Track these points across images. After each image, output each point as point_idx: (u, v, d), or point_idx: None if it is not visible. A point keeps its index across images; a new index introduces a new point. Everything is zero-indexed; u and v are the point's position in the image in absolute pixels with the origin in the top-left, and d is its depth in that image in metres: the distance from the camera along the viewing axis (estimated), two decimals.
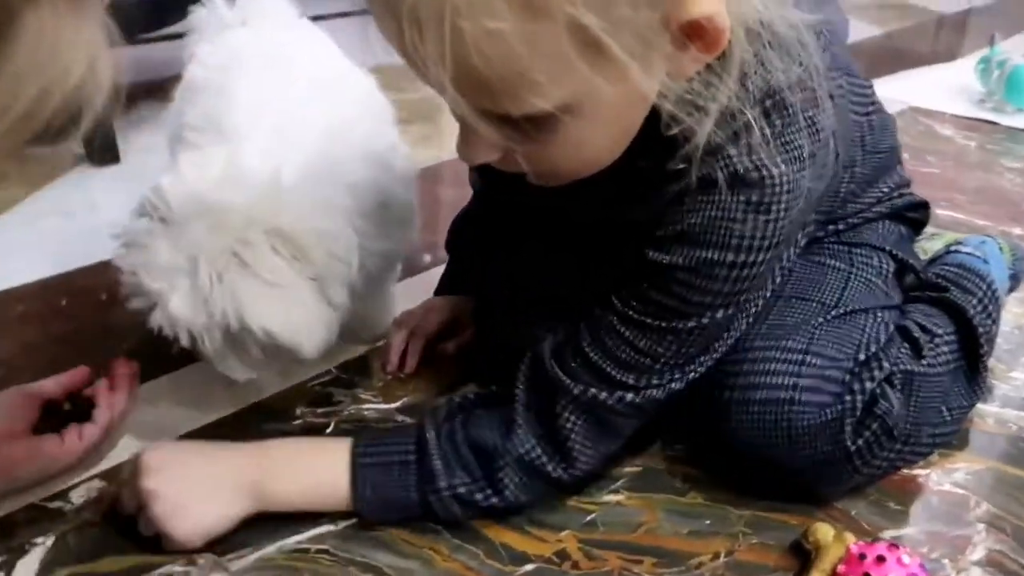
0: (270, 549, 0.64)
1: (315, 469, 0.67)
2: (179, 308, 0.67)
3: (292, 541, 0.65)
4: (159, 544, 0.63)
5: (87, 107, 0.41)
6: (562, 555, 0.65)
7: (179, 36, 0.99)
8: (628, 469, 0.74)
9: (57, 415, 0.72)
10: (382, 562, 0.64)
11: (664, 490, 0.73)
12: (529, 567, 0.64)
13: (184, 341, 0.68)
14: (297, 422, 0.79)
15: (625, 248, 0.63)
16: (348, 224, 0.74)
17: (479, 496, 0.65)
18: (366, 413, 0.81)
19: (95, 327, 0.94)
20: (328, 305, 0.72)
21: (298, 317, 0.69)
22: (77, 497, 0.69)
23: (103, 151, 1.49)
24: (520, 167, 0.56)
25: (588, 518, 0.69)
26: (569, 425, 0.64)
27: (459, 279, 0.96)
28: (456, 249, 0.98)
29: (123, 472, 0.68)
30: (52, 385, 0.74)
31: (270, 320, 0.67)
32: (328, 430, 0.78)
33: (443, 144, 1.66)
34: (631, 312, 0.62)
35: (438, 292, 0.97)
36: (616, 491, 0.72)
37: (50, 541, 0.64)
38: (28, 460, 0.67)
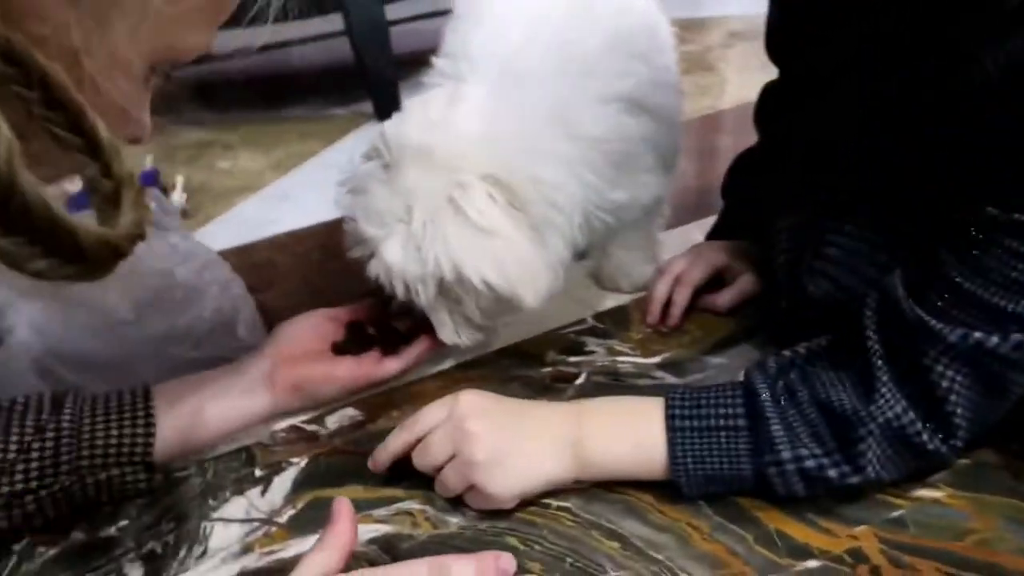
0: None
1: (634, 431, 0.57)
2: (394, 255, 0.63)
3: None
4: (401, 479, 0.61)
5: (232, 57, 0.40)
6: (856, 555, 0.52)
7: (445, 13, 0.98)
8: None
9: (363, 338, 0.73)
10: (630, 531, 0.55)
11: (1003, 491, 0.55)
12: (812, 563, 0.51)
13: (399, 292, 0.65)
14: (547, 369, 0.73)
15: (989, 106, 0.46)
16: (572, 175, 0.67)
17: (832, 472, 0.52)
18: (620, 366, 0.73)
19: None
20: (548, 254, 0.66)
21: (515, 266, 0.63)
22: (332, 423, 0.69)
23: (388, 107, 1.58)
24: None
25: (894, 514, 0.54)
26: (947, 383, 0.50)
27: (736, 223, 0.84)
28: (734, 191, 0.85)
29: (424, 419, 0.59)
30: (348, 312, 0.75)
31: (486, 268, 0.62)
32: (579, 380, 0.71)
33: (723, 92, 1.52)
34: (1018, 213, 0.46)
35: (710, 238, 0.85)
36: (934, 485, 0.56)
37: (303, 462, 0.65)
38: (326, 380, 0.69)
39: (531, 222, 0.65)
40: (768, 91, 0.79)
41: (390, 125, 0.67)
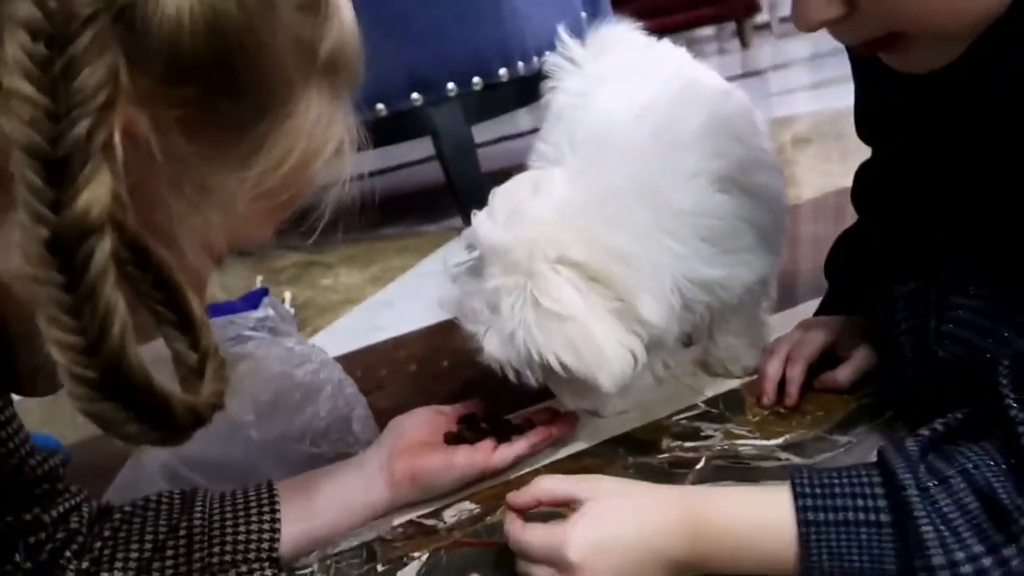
0: None
1: (757, 530, 0.52)
2: (494, 347, 0.67)
3: None
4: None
5: (329, 187, 0.48)
6: None
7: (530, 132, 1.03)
8: None
9: (476, 427, 0.74)
10: None
11: None
12: None
13: (511, 377, 0.68)
14: (664, 455, 0.71)
15: None
16: (654, 243, 0.68)
17: (997, 573, 0.45)
18: (741, 449, 0.70)
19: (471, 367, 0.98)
20: (631, 334, 0.66)
21: (589, 348, 0.64)
22: (450, 516, 0.68)
23: None
24: (868, 28, 0.45)
25: None
26: None
27: (843, 300, 0.81)
28: (838, 269, 0.83)
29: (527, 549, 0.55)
30: (457, 409, 0.76)
31: (562, 352, 0.64)
32: (698, 465, 0.69)
33: (802, 184, 1.52)
34: None
35: (817, 315, 0.83)
36: None
37: (425, 556, 0.64)
38: (444, 469, 0.69)
39: (612, 296, 0.65)
40: (863, 171, 0.79)
41: (477, 222, 0.70)
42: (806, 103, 2.36)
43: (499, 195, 0.72)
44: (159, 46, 0.37)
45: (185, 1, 0.36)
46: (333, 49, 0.45)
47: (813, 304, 0.95)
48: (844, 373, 0.75)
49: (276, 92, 0.42)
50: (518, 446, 0.72)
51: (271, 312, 0.82)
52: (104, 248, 0.33)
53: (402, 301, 1.30)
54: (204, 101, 0.39)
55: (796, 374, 0.75)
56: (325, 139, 0.45)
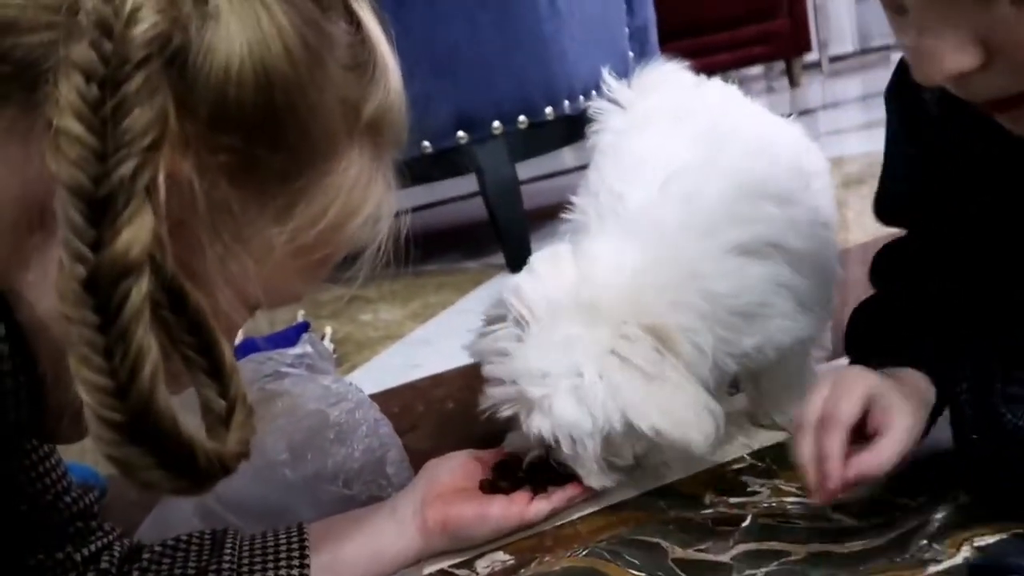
0: None
1: None
2: (564, 412, 0.63)
3: None
4: None
5: (366, 242, 0.48)
6: None
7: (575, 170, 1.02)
8: None
9: (513, 476, 0.72)
10: None
11: None
12: None
13: (566, 447, 0.65)
14: (708, 511, 0.68)
15: None
16: (707, 327, 0.66)
17: None
18: (789, 507, 0.67)
19: None
20: (710, 397, 0.65)
21: (683, 411, 0.63)
22: (482, 567, 0.66)
23: (519, 259, 1.63)
24: (1007, 81, 0.40)
25: None
26: None
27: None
28: (858, 342, 0.73)
29: None
30: (494, 455, 0.74)
31: (655, 416, 0.62)
32: (745, 523, 0.65)
33: (850, 227, 1.48)
34: None
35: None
36: None
37: None
38: (478, 520, 0.67)
39: (686, 369, 0.64)
40: (889, 251, 0.73)
41: (525, 284, 0.68)
42: (857, 144, 2.31)
43: (543, 259, 0.71)
44: (207, 92, 0.37)
45: (236, 49, 0.37)
46: (378, 110, 0.45)
47: None
48: (884, 455, 0.58)
49: (318, 148, 0.42)
50: (556, 498, 0.70)
51: (309, 349, 0.82)
52: (141, 288, 0.33)
53: (441, 339, 1.29)
54: (248, 150, 0.39)
55: (835, 448, 0.57)
56: (364, 199, 0.45)
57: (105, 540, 0.58)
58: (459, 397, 1.03)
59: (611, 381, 0.63)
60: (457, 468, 0.70)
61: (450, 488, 0.68)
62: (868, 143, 2.26)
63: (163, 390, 0.34)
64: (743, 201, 0.69)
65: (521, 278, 0.69)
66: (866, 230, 1.42)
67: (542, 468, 0.73)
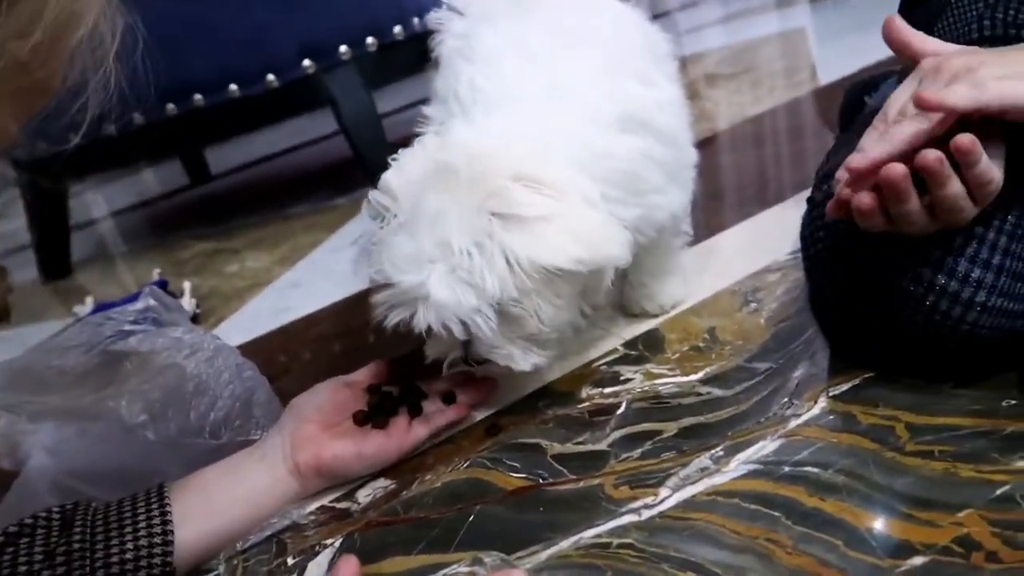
0: (564, 545, 0.53)
1: None
2: (442, 293, 0.59)
3: (589, 535, 0.53)
4: (444, 542, 0.55)
5: (90, 67, 0.41)
6: (965, 542, 0.45)
7: None
8: None
9: (387, 403, 0.69)
10: (703, 557, 0.49)
11: None
12: (918, 560, 0.45)
13: (458, 332, 0.60)
14: (584, 404, 0.68)
15: None
16: (585, 175, 0.63)
17: None
18: (661, 388, 0.68)
19: (383, 341, 0.93)
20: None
21: (595, 232, 0.59)
22: (363, 497, 0.64)
23: None
24: None
25: (998, 491, 0.48)
26: None
27: None
28: None
29: None
30: (365, 375, 0.71)
31: (572, 248, 0.58)
32: (619, 410, 0.66)
33: (716, 116, 1.51)
34: None
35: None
36: None
37: (338, 542, 0.59)
38: (354, 459, 0.64)
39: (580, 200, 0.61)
40: None
41: (388, 176, 0.65)
42: (716, 38, 2.35)
43: (406, 153, 0.66)
44: None
45: None
46: None
47: (737, 230, 0.94)
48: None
49: None
50: (434, 423, 0.68)
51: (152, 302, 0.75)
52: None
53: (312, 280, 1.24)
54: None
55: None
56: (78, 9, 0.39)
57: None
58: (334, 336, 1.00)
59: (498, 242, 0.58)
60: (325, 402, 0.67)
61: (320, 426, 0.65)
62: (726, 36, 2.29)
63: None
64: (607, 80, 0.68)
65: (387, 173, 0.65)
66: (728, 118, 1.45)
67: (414, 386, 0.71)
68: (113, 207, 2.48)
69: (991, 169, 0.50)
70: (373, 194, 0.65)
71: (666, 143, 0.71)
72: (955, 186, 0.50)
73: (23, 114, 0.39)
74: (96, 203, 2.58)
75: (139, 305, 0.75)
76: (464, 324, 0.60)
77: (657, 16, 3.32)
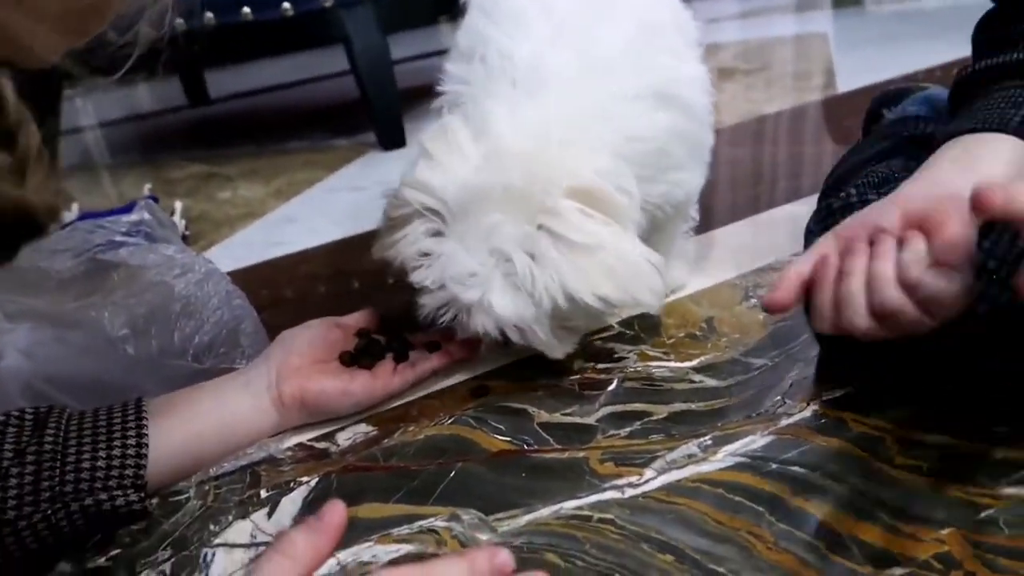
0: (544, 512, 0.53)
1: None
2: (504, 307, 0.60)
3: (571, 506, 0.53)
4: (423, 494, 0.55)
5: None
6: (946, 560, 0.45)
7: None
8: None
9: (375, 347, 0.68)
10: (685, 543, 0.49)
11: None
12: (897, 572, 0.45)
13: (514, 338, 0.62)
14: (575, 376, 0.68)
15: None
16: (628, 168, 0.64)
17: None
18: (655, 371, 0.67)
19: (377, 284, 0.92)
20: (647, 251, 0.63)
21: (628, 272, 0.61)
22: (343, 439, 0.63)
23: (391, 137, 1.55)
24: None
25: (983, 514, 0.48)
26: None
27: None
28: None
29: None
30: (356, 319, 0.71)
31: (602, 286, 0.59)
32: (611, 387, 0.66)
33: (729, 109, 1.49)
34: None
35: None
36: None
37: (314, 481, 0.59)
38: (339, 396, 0.64)
39: (620, 221, 0.61)
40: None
41: (426, 175, 0.62)
42: (732, 32, 2.33)
43: (436, 140, 0.64)
44: None
45: None
46: None
47: (743, 225, 0.94)
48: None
49: None
50: (420, 369, 0.67)
51: (147, 216, 0.73)
52: None
53: (308, 216, 1.22)
54: None
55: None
56: None
57: None
58: (324, 276, 0.98)
59: (544, 259, 0.59)
60: (316, 338, 0.66)
61: (308, 360, 0.64)
62: (742, 31, 2.27)
63: None
64: (640, 51, 0.67)
65: (420, 170, 0.63)
66: (738, 113, 1.44)
67: (402, 336, 0.70)
68: (103, 117, 2.41)
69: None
70: (410, 193, 0.63)
71: (692, 119, 0.71)
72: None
73: (75, 37, 0.37)
74: (85, 111, 2.51)
75: (133, 217, 0.73)
76: (520, 331, 0.62)
77: None
